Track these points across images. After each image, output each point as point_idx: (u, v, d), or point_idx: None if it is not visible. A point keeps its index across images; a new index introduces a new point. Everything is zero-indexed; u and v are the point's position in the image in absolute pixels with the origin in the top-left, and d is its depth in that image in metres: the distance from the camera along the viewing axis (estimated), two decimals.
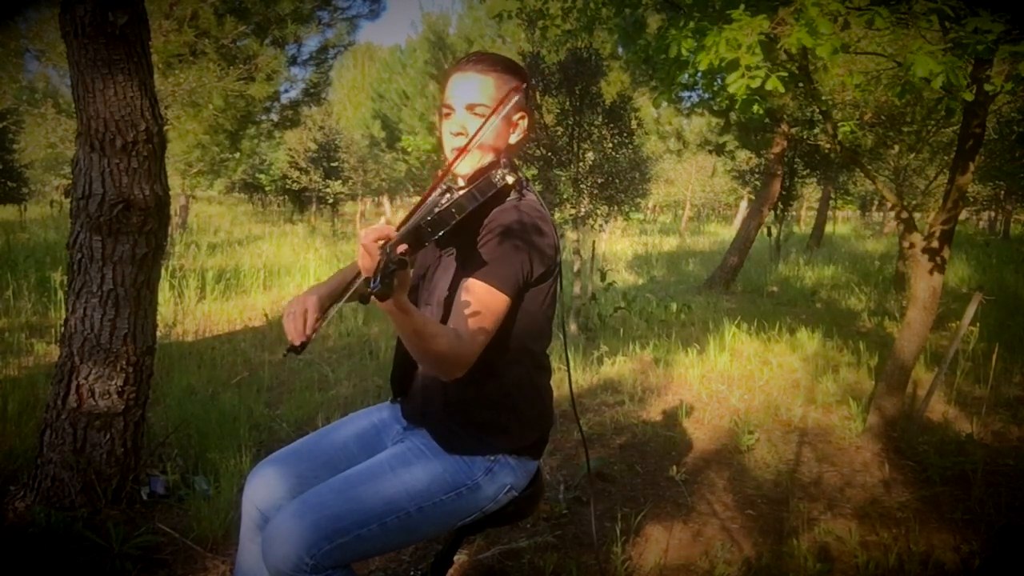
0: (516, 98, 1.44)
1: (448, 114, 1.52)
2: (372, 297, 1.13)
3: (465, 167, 1.50)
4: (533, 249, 1.45)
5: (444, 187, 1.50)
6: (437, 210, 1.32)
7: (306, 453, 1.62)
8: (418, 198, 1.56)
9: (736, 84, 2.40)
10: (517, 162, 1.61)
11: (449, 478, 1.49)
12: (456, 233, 1.37)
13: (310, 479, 1.56)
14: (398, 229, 1.26)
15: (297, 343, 1.36)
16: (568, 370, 1.79)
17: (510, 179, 1.40)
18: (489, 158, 1.50)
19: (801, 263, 11.60)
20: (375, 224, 1.28)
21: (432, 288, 1.55)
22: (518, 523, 2.59)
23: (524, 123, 1.56)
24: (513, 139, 1.56)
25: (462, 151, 1.43)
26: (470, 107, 1.49)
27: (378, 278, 1.13)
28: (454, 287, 1.46)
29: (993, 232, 20.36)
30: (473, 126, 1.47)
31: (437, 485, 1.48)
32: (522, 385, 1.57)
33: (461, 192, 1.40)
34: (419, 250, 1.29)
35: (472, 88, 1.49)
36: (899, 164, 8.52)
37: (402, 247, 1.19)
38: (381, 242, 1.18)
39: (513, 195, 1.50)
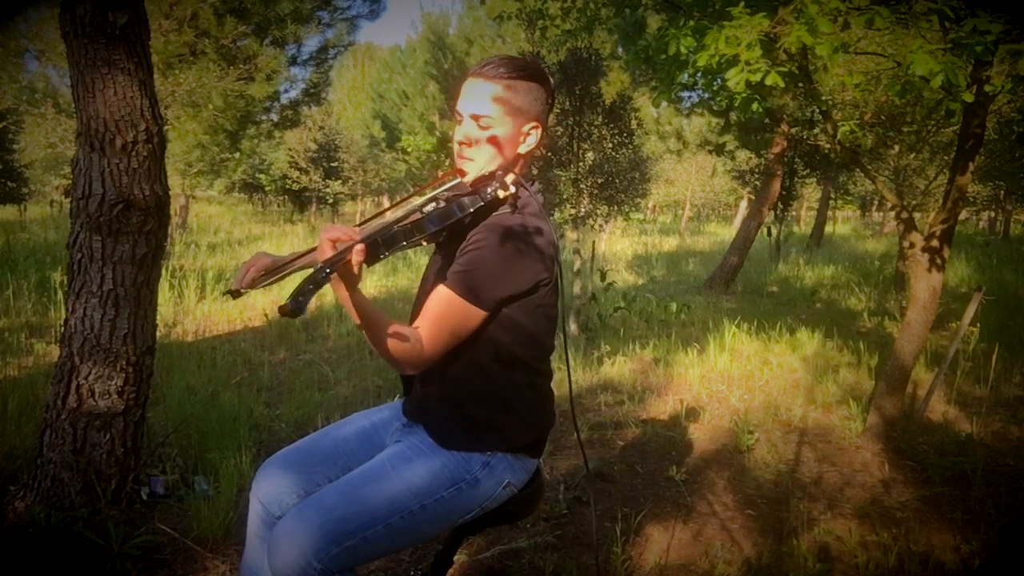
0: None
1: (459, 120, 1.52)
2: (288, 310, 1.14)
3: (470, 174, 1.50)
4: (516, 264, 1.43)
5: (430, 196, 1.46)
6: (398, 226, 1.33)
7: (308, 450, 1.64)
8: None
9: (735, 79, 2.40)
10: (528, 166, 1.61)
11: (448, 473, 1.50)
12: (450, 237, 1.37)
13: (312, 474, 1.59)
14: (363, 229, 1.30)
15: (233, 287, 1.39)
16: (568, 371, 1.78)
17: (501, 193, 1.39)
18: (494, 165, 1.50)
19: (801, 263, 11.60)
20: (341, 225, 1.32)
21: (429, 288, 1.56)
22: (518, 523, 2.59)
23: (537, 133, 1.54)
24: (523, 149, 1.54)
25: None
26: (475, 118, 1.48)
27: (294, 296, 1.14)
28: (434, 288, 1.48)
29: (993, 232, 20.36)
30: (478, 137, 1.49)
31: (437, 481, 1.49)
32: (518, 386, 1.57)
33: (436, 207, 1.39)
34: (374, 262, 1.31)
35: (480, 98, 1.48)
36: (899, 164, 8.52)
37: (359, 254, 1.22)
38: (336, 243, 1.23)
39: (506, 208, 1.47)
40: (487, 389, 1.53)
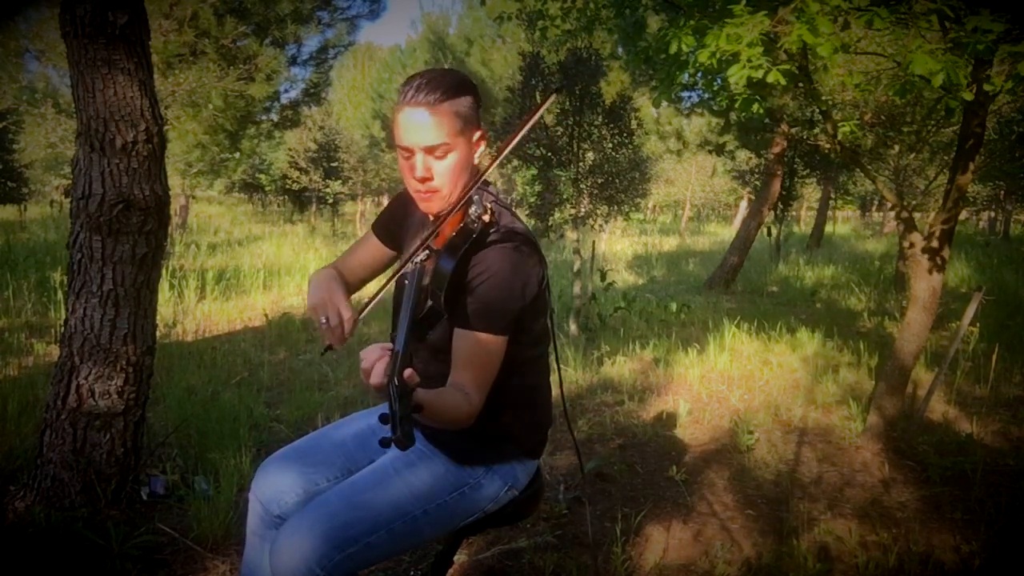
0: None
1: (408, 156, 1.43)
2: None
3: (438, 207, 1.46)
4: (522, 281, 1.42)
5: (420, 246, 1.41)
6: (425, 289, 1.31)
7: (308, 449, 1.64)
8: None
9: (737, 75, 2.40)
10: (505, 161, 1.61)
11: (452, 477, 1.50)
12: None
13: (311, 474, 1.59)
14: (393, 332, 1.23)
15: (337, 345, 1.37)
16: (559, 371, 1.75)
17: (486, 217, 1.38)
18: (459, 188, 1.46)
19: (801, 263, 11.60)
20: (370, 348, 1.19)
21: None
22: (518, 523, 2.59)
23: (484, 140, 1.51)
24: (476, 160, 1.51)
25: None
26: (429, 150, 1.41)
27: (397, 428, 1.06)
28: (447, 337, 1.44)
29: (993, 232, 20.37)
30: (439, 167, 1.42)
31: (440, 486, 1.49)
32: (522, 391, 1.57)
33: (439, 250, 1.37)
34: (425, 339, 1.35)
35: (429, 128, 1.39)
36: (899, 164, 8.53)
37: (409, 372, 1.11)
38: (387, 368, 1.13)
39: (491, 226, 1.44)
40: (496, 400, 1.50)
